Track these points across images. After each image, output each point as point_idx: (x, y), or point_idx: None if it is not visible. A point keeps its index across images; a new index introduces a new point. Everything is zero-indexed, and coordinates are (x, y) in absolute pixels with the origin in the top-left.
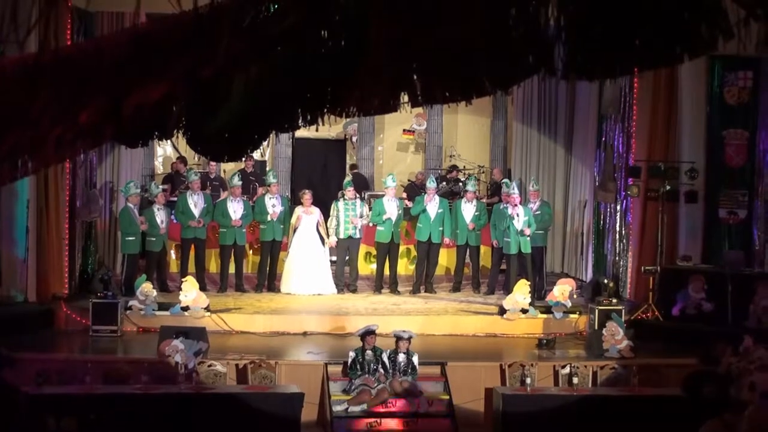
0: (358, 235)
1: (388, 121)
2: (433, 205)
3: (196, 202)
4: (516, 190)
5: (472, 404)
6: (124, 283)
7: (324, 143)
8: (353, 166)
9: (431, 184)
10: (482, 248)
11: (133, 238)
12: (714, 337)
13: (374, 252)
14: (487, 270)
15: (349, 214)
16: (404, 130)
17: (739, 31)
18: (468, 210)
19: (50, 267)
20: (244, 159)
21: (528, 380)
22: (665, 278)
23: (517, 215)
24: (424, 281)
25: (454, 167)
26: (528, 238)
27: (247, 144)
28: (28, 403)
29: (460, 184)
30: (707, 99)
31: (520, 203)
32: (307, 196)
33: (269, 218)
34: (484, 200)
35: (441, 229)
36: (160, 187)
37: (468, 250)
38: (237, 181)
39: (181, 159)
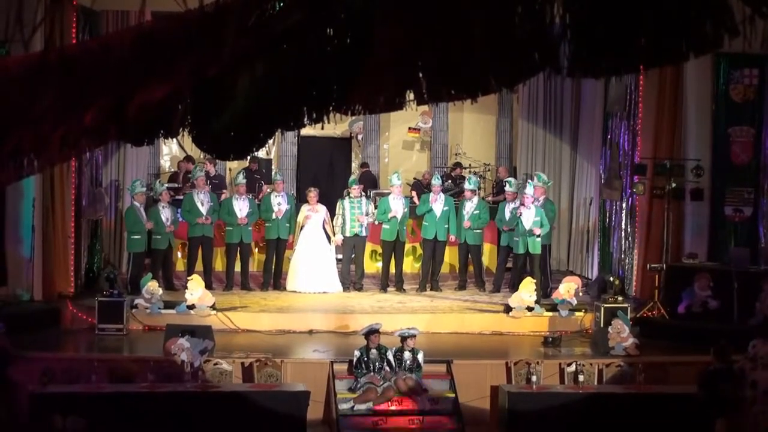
0: (364, 233)
1: (393, 119)
2: (438, 203)
3: (202, 201)
4: (530, 190)
5: (478, 402)
6: (130, 281)
7: (329, 141)
8: (364, 164)
9: (436, 182)
10: (488, 246)
11: (139, 236)
12: (727, 335)
13: (380, 250)
14: (491, 269)
15: (355, 212)
16: (410, 128)
17: (744, 28)
18: (467, 208)
19: (56, 266)
20: (248, 158)
21: (534, 378)
22: (671, 276)
23: (521, 215)
24: (429, 279)
25: (457, 164)
26: (538, 239)
27: (252, 142)
28: (34, 401)
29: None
30: (713, 96)
31: (533, 203)
32: (312, 194)
33: (274, 216)
34: (490, 198)
35: (447, 226)
36: (165, 185)
37: (468, 249)
38: (241, 179)
39: (188, 158)
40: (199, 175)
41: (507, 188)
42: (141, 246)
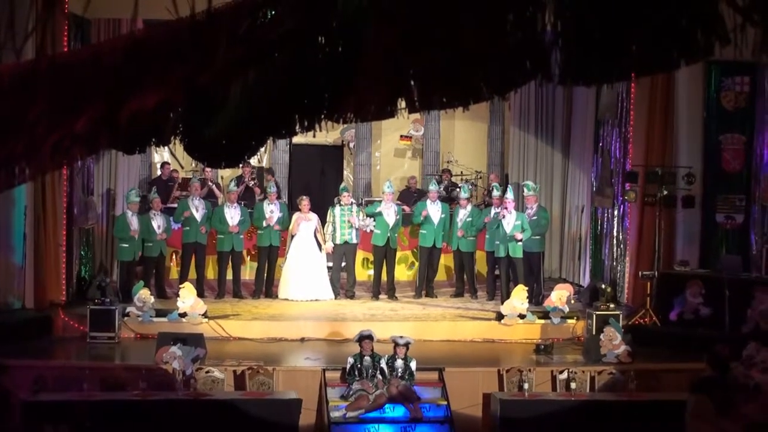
0: (354, 240)
1: (385, 126)
2: (435, 210)
3: (197, 207)
4: (511, 195)
5: (470, 410)
6: (121, 289)
7: (321, 149)
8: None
9: (433, 188)
10: (480, 254)
11: (127, 245)
12: (719, 342)
13: (371, 258)
14: (483, 276)
15: (346, 219)
16: (401, 136)
17: (735, 36)
18: (461, 216)
19: (48, 274)
20: (241, 166)
21: (526, 386)
22: (663, 283)
23: (503, 218)
24: (425, 286)
25: (445, 171)
26: (519, 243)
27: (244, 150)
28: (25, 410)
29: (458, 189)
30: (704, 104)
31: (515, 208)
32: (305, 202)
33: (266, 223)
34: (482, 206)
35: (443, 233)
36: (156, 193)
37: (461, 256)
38: (233, 187)
39: (165, 164)
40: (195, 183)
41: (494, 193)
42: (129, 254)
